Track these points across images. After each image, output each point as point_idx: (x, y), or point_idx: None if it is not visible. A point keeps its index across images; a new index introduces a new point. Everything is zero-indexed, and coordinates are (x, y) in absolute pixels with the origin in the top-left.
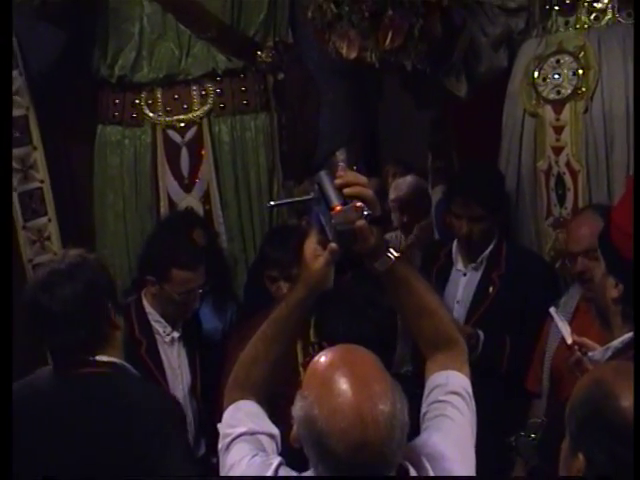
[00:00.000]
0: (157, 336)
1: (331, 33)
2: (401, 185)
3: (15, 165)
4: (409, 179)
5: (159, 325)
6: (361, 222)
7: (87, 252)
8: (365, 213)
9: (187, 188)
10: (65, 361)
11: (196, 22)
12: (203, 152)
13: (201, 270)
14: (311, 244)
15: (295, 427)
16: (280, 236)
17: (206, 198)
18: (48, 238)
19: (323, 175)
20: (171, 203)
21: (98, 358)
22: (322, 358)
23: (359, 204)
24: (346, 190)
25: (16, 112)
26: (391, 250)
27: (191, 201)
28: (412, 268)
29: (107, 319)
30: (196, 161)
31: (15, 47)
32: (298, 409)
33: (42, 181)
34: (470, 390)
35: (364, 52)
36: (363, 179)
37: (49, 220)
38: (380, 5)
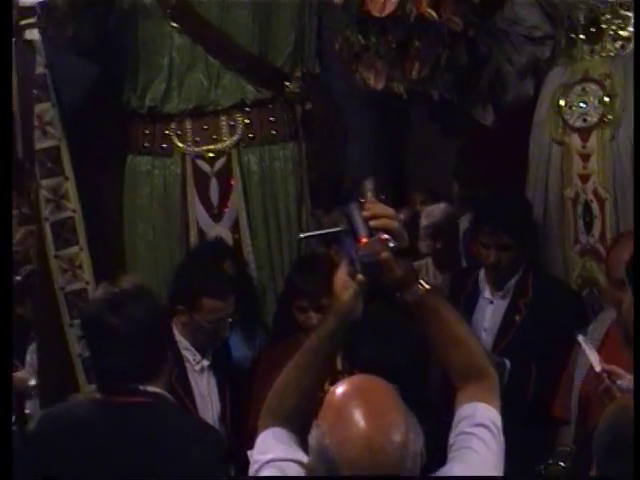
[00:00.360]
0: (187, 364)
1: (358, 64)
2: (434, 212)
3: (47, 195)
4: (442, 206)
5: (189, 353)
6: (386, 254)
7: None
8: (391, 245)
9: (216, 217)
10: (114, 387)
11: (225, 53)
12: (232, 182)
13: (231, 299)
14: (341, 275)
15: (310, 456)
16: (308, 265)
17: (235, 227)
18: (79, 267)
19: (352, 207)
20: (200, 232)
21: (146, 387)
22: (338, 388)
23: (384, 236)
24: (372, 222)
25: (48, 143)
26: (421, 281)
27: (220, 230)
28: (442, 298)
29: (165, 347)
30: (225, 191)
31: (48, 79)
32: (312, 438)
33: (74, 210)
34: (499, 423)
35: (391, 82)
36: (390, 211)
37: (80, 249)
38: (406, 36)
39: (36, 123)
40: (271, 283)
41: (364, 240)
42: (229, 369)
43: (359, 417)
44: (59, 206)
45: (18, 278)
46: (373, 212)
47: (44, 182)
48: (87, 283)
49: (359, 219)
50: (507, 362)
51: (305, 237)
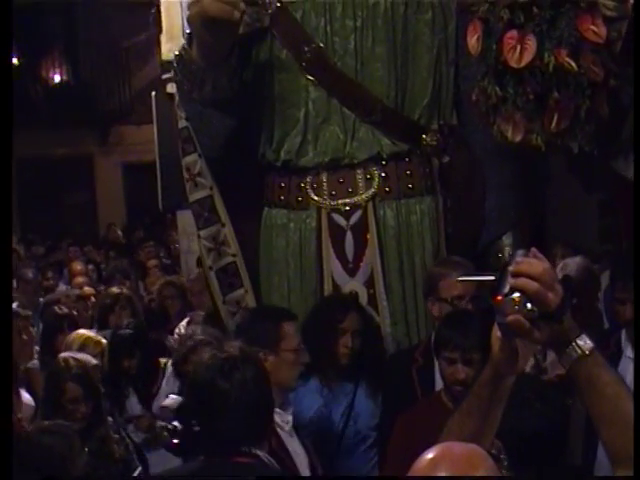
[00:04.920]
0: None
1: (496, 116)
2: (570, 265)
3: (207, 244)
4: (578, 260)
5: (277, 416)
6: (512, 317)
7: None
8: (528, 306)
9: (351, 272)
10: (221, 449)
11: (361, 106)
12: (368, 236)
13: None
14: (495, 327)
15: None
16: (459, 320)
17: (370, 282)
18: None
19: (514, 257)
20: (335, 286)
21: (251, 449)
22: (426, 453)
23: (517, 297)
24: (511, 281)
25: (201, 194)
26: (579, 343)
27: (355, 285)
28: (602, 368)
29: (270, 410)
30: (361, 245)
31: (190, 131)
32: None
33: (234, 255)
34: None
35: (529, 135)
36: (536, 270)
37: (245, 291)
38: (545, 87)
39: (186, 176)
40: (405, 338)
41: (498, 298)
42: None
43: None
44: (220, 253)
45: (128, 331)
46: (516, 269)
47: (202, 232)
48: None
49: (506, 273)
50: None
51: (462, 280)
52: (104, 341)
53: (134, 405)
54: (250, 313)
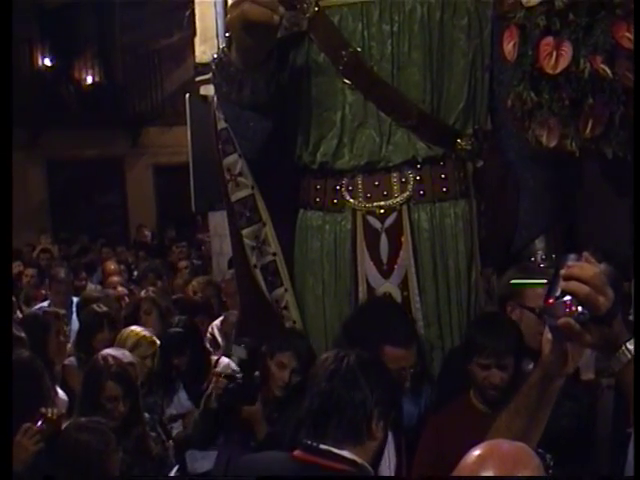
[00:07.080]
0: None
1: (531, 121)
2: None
3: (250, 243)
4: (602, 267)
5: None
6: (563, 320)
7: None
8: (580, 310)
9: (386, 274)
10: (316, 447)
11: (397, 110)
12: (402, 239)
13: (413, 349)
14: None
15: None
16: (492, 323)
17: (404, 284)
18: (286, 307)
19: (566, 259)
20: (369, 289)
21: (344, 453)
22: (474, 450)
23: (568, 300)
24: (562, 284)
25: (243, 193)
26: (629, 349)
27: (389, 287)
28: None
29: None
30: (395, 247)
31: (230, 132)
32: None
33: (274, 254)
34: None
35: (564, 140)
36: (587, 273)
37: (285, 290)
38: (580, 93)
39: (227, 176)
40: (438, 341)
41: (550, 301)
42: (402, 423)
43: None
44: (262, 252)
45: (178, 329)
46: (568, 272)
47: (245, 231)
48: (294, 322)
49: (558, 277)
50: None
51: (515, 284)
52: (158, 342)
53: (184, 401)
54: (359, 315)
